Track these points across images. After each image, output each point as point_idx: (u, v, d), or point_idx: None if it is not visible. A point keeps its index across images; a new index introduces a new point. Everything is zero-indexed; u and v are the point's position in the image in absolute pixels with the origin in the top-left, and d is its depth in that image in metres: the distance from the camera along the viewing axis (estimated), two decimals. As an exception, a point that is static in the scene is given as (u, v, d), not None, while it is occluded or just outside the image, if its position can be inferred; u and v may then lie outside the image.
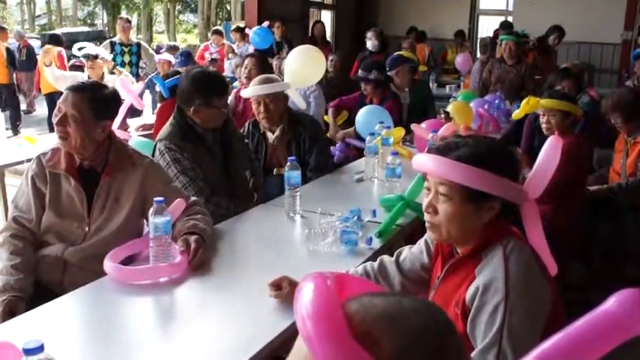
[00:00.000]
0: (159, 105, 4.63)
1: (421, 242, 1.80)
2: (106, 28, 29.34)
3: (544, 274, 1.48)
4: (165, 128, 2.78)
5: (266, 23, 7.37)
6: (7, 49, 10.17)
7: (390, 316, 0.79)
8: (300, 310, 0.80)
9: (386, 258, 1.88)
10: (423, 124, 3.97)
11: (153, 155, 2.73)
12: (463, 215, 1.48)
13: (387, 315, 0.80)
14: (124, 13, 32.65)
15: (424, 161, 1.53)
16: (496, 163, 1.46)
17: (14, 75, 10.28)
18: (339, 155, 4.52)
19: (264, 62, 4.73)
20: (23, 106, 11.69)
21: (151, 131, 4.51)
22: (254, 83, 3.27)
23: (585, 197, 3.53)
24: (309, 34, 9.13)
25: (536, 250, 1.55)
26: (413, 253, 1.82)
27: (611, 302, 1.01)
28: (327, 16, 11.61)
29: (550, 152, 1.73)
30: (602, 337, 1.00)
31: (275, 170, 3.32)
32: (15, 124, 9.43)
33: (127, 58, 7.26)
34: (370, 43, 7.12)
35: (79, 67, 6.93)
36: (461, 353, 0.86)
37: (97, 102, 2.19)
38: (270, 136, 3.32)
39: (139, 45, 7.18)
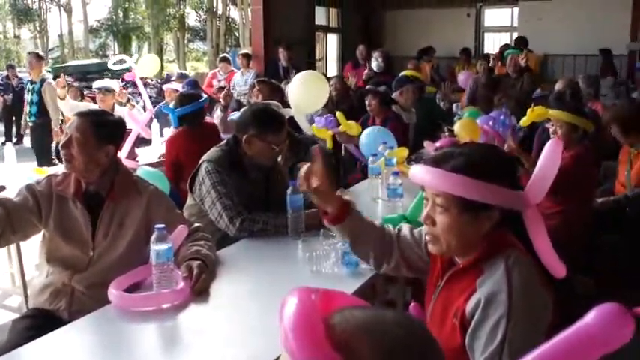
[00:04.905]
0: (170, 131, 4.66)
1: (423, 234, 1.77)
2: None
3: (546, 286, 1.47)
4: (215, 151, 2.80)
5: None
6: None
7: (371, 329, 0.81)
8: (283, 323, 0.83)
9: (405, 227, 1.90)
10: (438, 143, 3.98)
11: (197, 172, 2.76)
12: (461, 226, 1.47)
13: (368, 326, 0.82)
14: (134, 44, 33.17)
15: (419, 173, 1.52)
16: (492, 171, 1.46)
17: None
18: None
19: (276, 88, 4.77)
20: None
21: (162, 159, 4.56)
22: None
23: (592, 210, 3.51)
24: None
25: (542, 255, 1.53)
26: (412, 243, 1.84)
27: (590, 317, 1.02)
28: (333, 40, 11.73)
29: (550, 156, 1.71)
30: (580, 351, 1.01)
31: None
32: None
33: (28, 97, 7.15)
34: (376, 64, 7.17)
35: (92, 99, 7.01)
36: None
37: (100, 126, 2.27)
38: None
39: (42, 82, 7.00)
